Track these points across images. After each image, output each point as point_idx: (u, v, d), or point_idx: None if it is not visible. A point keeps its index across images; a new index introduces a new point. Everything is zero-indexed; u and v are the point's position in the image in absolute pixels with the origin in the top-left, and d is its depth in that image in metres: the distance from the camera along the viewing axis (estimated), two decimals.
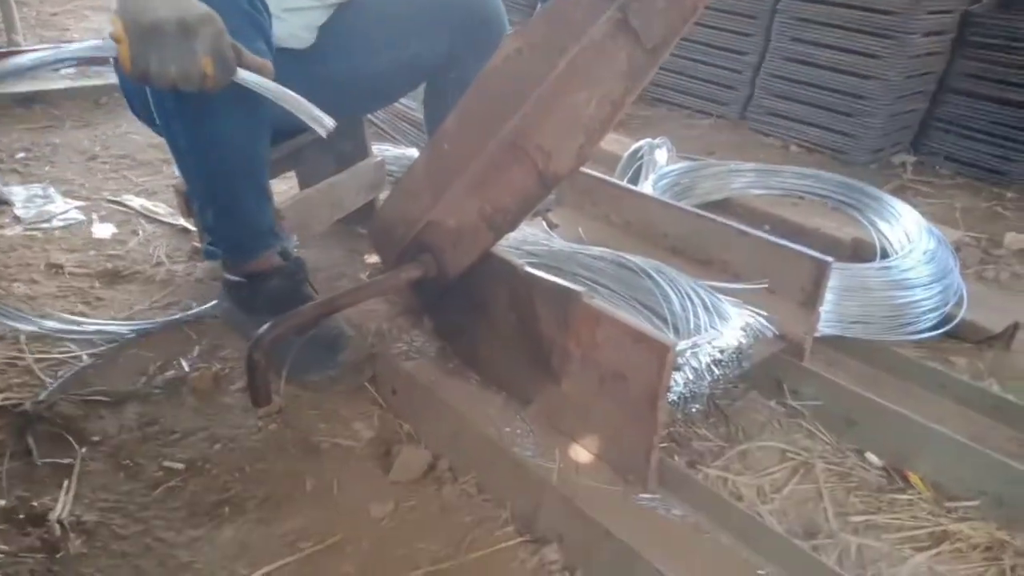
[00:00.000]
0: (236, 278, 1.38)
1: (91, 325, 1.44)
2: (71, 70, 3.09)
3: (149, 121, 1.40)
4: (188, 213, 1.62)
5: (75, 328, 1.42)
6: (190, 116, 1.16)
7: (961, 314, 1.61)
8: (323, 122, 1.04)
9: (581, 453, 1.13)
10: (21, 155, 2.30)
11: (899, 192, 2.65)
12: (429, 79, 1.66)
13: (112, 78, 2.98)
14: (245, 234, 1.35)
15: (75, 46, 1.01)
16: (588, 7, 0.93)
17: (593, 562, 1.00)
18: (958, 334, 1.64)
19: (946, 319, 1.59)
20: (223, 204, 1.30)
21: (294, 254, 1.42)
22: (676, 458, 1.21)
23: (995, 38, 2.82)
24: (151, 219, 1.93)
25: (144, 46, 0.91)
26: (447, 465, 1.19)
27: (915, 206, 1.98)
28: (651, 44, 0.89)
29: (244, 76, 1.00)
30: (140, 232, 1.86)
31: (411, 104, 2.52)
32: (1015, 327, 1.66)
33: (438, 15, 1.52)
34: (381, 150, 2.12)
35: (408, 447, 1.20)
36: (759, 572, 0.96)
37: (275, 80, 1.05)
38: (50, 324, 1.40)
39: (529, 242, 1.45)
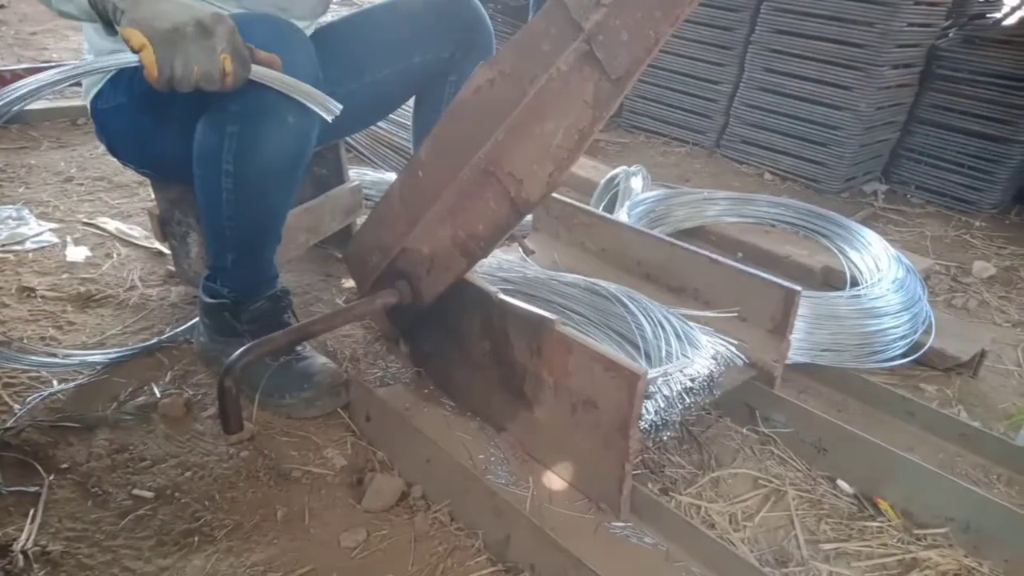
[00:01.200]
0: (217, 300, 1.37)
1: (74, 357, 1.42)
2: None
3: (139, 164, 1.44)
4: (163, 237, 1.61)
5: (57, 361, 1.39)
6: (249, 191, 1.22)
7: (930, 342, 1.64)
8: (328, 106, 1.10)
9: (554, 481, 1.13)
10: None
11: (870, 220, 2.70)
12: (423, 88, 1.67)
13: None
14: (257, 280, 1.38)
15: (95, 61, 1.03)
16: (555, 39, 0.95)
17: None
18: (927, 362, 1.67)
19: (915, 347, 1.62)
20: (245, 255, 1.34)
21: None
22: (649, 485, 1.21)
23: (960, 72, 2.91)
24: (126, 242, 1.91)
25: (168, 50, 0.95)
26: (420, 493, 1.18)
27: (886, 234, 2.03)
28: (616, 75, 0.91)
29: (258, 72, 1.04)
30: (114, 255, 1.85)
31: (390, 128, 2.54)
32: (982, 355, 1.69)
33: (432, 22, 1.54)
34: (360, 174, 2.13)
35: (381, 475, 1.19)
36: None
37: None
38: (33, 359, 1.38)
39: (504, 269, 1.46)
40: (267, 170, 1.20)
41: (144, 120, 1.28)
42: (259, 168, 1.19)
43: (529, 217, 1.89)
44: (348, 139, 2.47)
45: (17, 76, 3.00)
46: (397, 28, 1.53)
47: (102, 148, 2.51)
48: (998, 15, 3.16)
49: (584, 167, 2.57)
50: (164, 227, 1.58)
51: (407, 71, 1.56)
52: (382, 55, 1.52)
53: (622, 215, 1.98)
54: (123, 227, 1.97)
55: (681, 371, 1.16)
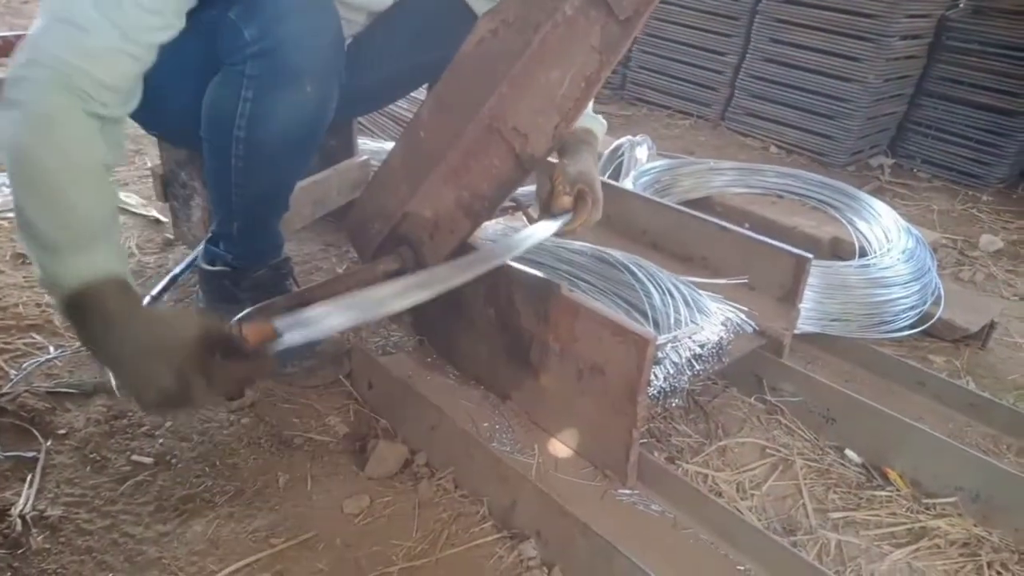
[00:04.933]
0: (217, 268, 1.35)
1: None
2: None
3: (149, 126, 1.39)
4: (164, 197, 1.58)
5: None
6: (260, 159, 1.17)
7: (939, 313, 1.62)
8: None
9: (560, 448, 1.11)
10: None
11: (877, 194, 2.67)
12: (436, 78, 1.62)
13: None
14: (262, 247, 1.35)
15: None
16: None
17: (571, 558, 0.99)
18: (936, 333, 1.66)
19: (924, 318, 1.60)
20: (251, 222, 1.30)
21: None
22: (656, 453, 1.20)
23: (970, 43, 2.86)
24: (123, 210, 1.88)
25: (164, 413, 0.93)
26: (424, 460, 1.17)
27: (893, 208, 2.00)
28: (624, 15, 0.87)
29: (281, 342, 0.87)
30: None
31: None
32: (991, 326, 1.67)
33: (459, 18, 1.48)
34: (360, 144, 2.09)
35: (384, 442, 1.18)
36: (738, 568, 0.96)
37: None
38: None
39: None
40: (281, 139, 1.16)
41: (156, 84, 1.25)
42: (273, 136, 1.14)
43: (534, 186, 1.85)
44: None
45: (9, 43, 2.96)
46: (422, 20, 1.46)
47: None
48: None
49: None
50: (167, 187, 1.55)
51: (426, 61, 1.51)
52: (404, 45, 1.47)
53: (627, 185, 1.95)
54: (120, 195, 1.93)
55: (690, 338, 1.14)
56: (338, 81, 1.19)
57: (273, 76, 1.09)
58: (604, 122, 1.40)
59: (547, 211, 1.20)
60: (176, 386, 0.81)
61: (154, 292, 1.20)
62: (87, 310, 0.84)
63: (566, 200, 1.18)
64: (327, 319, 0.87)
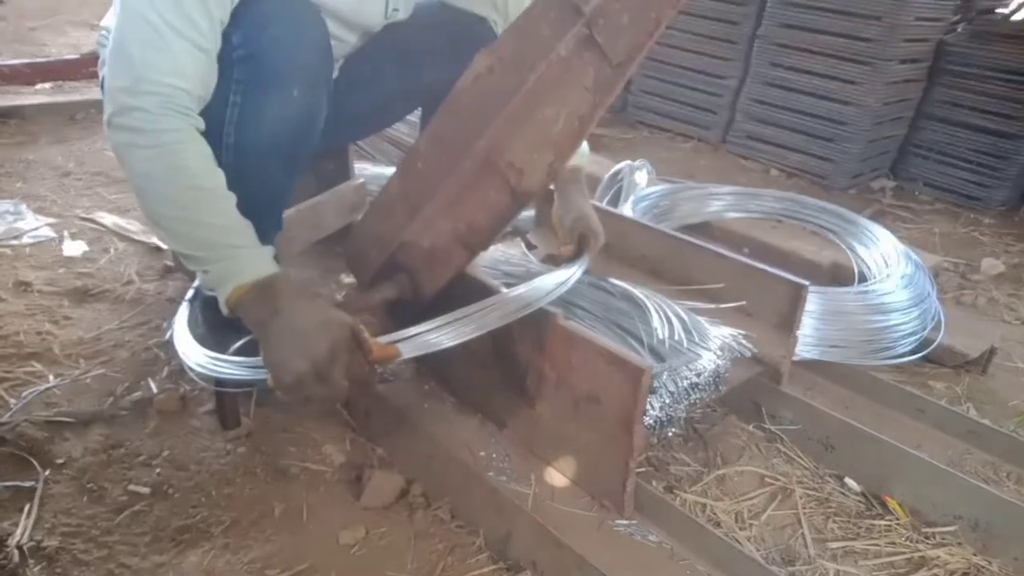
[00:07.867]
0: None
1: None
2: (48, 85, 3.06)
3: None
4: None
5: None
6: (249, 166, 1.17)
7: (939, 339, 1.61)
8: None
9: (556, 478, 1.11)
10: None
11: (878, 217, 2.68)
12: (429, 102, 1.64)
13: (88, 94, 2.96)
14: None
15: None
16: (555, 23, 0.93)
17: None
18: (936, 358, 1.65)
19: (924, 344, 1.59)
20: None
21: None
22: (653, 483, 1.20)
23: (969, 67, 2.88)
24: (123, 237, 1.89)
25: (292, 395, 0.98)
26: (420, 490, 1.17)
27: (894, 231, 2.00)
28: (617, 60, 0.89)
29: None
30: (111, 250, 1.83)
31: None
32: (991, 352, 1.67)
33: (446, 44, 1.49)
34: (360, 169, 2.10)
35: (380, 472, 1.17)
36: None
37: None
38: None
39: (507, 263, 1.44)
40: (269, 144, 1.16)
41: None
42: (261, 141, 1.14)
43: (532, 211, 1.86)
44: None
45: (16, 71, 3.00)
46: (410, 44, 1.47)
47: (100, 143, 2.52)
48: (1007, 10, 3.12)
49: (589, 161, 2.54)
50: None
51: (415, 86, 1.52)
52: (392, 69, 1.49)
53: (627, 210, 1.96)
54: (120, 222, 1.95)
55: (687, 366, 1.14)
56: (326, 88, 1.20)
57: (259, 79, 1.10)
58: (586, 149, 1.47)
59: (556, 263, 1.33)
60: (325, 362, 0.94)
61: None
62: (269, 296, 1.00)
63: (570, 250, 1.31)
64: (436, 337, 1.03)
